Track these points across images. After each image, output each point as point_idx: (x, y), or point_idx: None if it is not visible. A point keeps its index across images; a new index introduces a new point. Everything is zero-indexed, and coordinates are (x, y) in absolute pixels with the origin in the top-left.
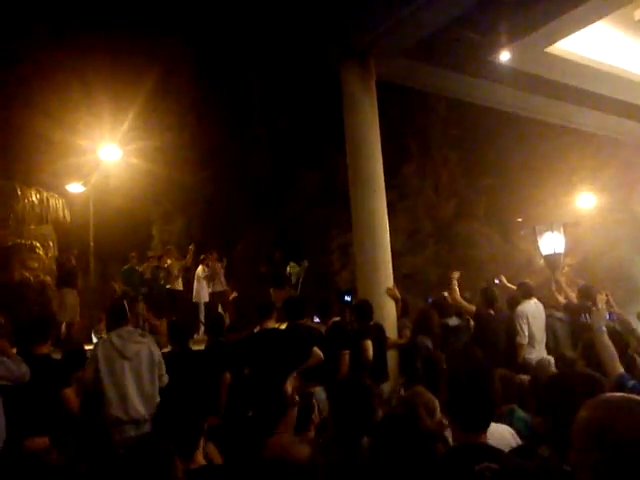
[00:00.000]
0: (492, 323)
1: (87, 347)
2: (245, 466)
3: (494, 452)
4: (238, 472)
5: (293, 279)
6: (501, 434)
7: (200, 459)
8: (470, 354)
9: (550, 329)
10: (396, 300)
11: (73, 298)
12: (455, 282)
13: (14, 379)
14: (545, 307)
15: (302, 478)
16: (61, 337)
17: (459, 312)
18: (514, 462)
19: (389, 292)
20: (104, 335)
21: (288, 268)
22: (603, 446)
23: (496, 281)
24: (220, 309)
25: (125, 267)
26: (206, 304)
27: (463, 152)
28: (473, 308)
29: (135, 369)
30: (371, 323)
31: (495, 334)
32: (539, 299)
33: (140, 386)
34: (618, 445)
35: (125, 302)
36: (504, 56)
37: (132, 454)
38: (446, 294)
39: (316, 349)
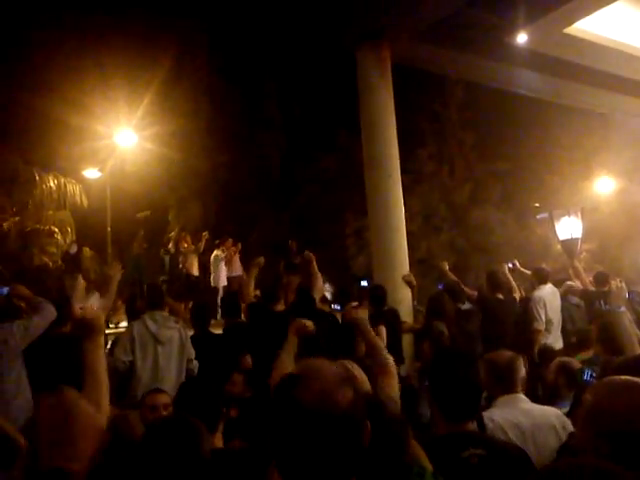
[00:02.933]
0: (499, 308)
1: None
2: (277, 414)
3: (480, 438)
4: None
5: None
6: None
7: (217, 442)
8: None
9: (567, 315)
10: (412, 286)
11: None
12: (447, 271)
13: (40, 329)
14: (561, 293)
15: (346, 426)
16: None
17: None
18: (501, 447)
19: (405, 278)
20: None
21: None
22: (602, 428)
23: (509, 265)
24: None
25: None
26: (224, 287)
27: (479, 136)
28: (475, 293)
29: (167, 354)
30: (385, 308)
31: (502, 319)
32: (555, 284)
33: (170, 371)
34: (615, 426)
35: (162, 285)
36: (521, 38)
37: (160, 429)
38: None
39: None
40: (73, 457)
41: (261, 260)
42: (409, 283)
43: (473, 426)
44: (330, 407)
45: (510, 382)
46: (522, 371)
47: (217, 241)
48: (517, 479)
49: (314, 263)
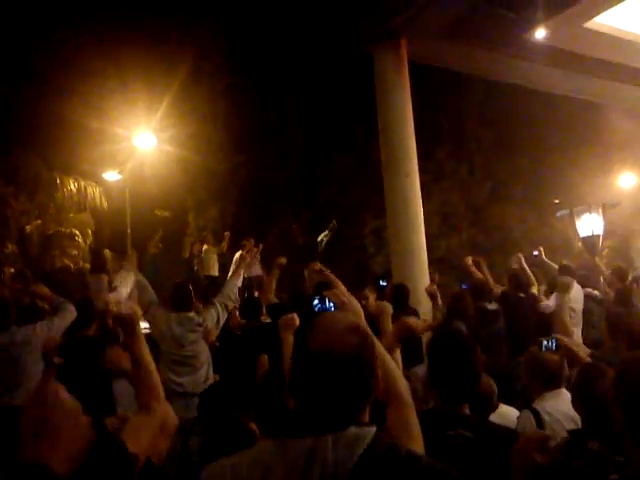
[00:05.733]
0: (520, 307)
1: None
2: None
3: (470, 421)
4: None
5: (320, 247)
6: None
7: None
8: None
9: (585, 311)
10: (434, 298)
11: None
12: (472, 266)
13: (61, 329)
14: (583, 289)
15: (350, 370)
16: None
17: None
18: (491, 432)
19: (428, 289)
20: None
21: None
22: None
23: (535, 253)
24: (256, 294)
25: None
26: (239, 289)
27: (498, 133)
28: (499, 291)
29: (189, 358)
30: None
31: (524, 318)
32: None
33: (193, 371)
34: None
35: (190, 286)
36: (540, 33)
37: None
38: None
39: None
40: (53, 454)
41: (283, 260)
42: (431, 294)
43: (467, 409)
44: (336, 351)
45: (560, 379)
46: (567, 369)
47: (244, 242)
48: (501, 463)
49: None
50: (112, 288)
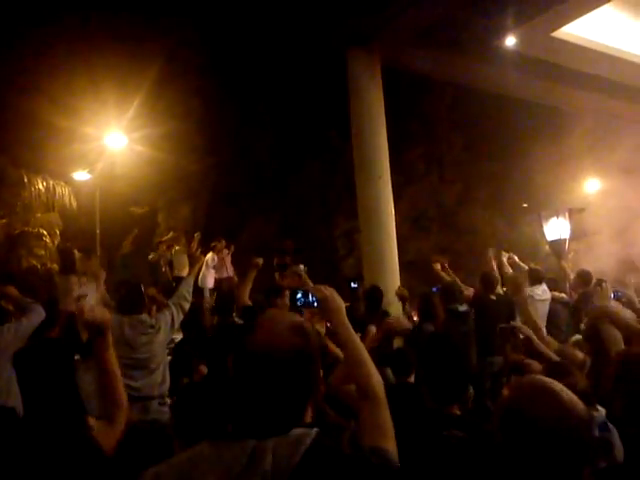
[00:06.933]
0: (491, 309)
1: None
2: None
3: (464, 421)
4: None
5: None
6: None
7: None
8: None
9: (552, 313)
10: (404, 300)
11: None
12: (440, 272)
13: (29, 330)
14: (550, 291)
15: (289, 370)
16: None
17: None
18: (484, 432)
19: (398, 292)
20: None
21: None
22: (508, 428)
23: (507, 255)
24: None
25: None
26: (210, 290)
27: (468, 137)
28: (471, 291)
29: (143, 360)
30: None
31: (494, 320)
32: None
33: (148, 373)
34: (521, 428)
35: (142, 287)
36: (509, 41)
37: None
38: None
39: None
40: None
41: (259, 261)
42: (401, 297)
43: (457, 410)
44: (275, 351)
45: None
46: None
47: (213, 243)
48: (494, 463)
49: (303, 277)
50: (79, 297)
